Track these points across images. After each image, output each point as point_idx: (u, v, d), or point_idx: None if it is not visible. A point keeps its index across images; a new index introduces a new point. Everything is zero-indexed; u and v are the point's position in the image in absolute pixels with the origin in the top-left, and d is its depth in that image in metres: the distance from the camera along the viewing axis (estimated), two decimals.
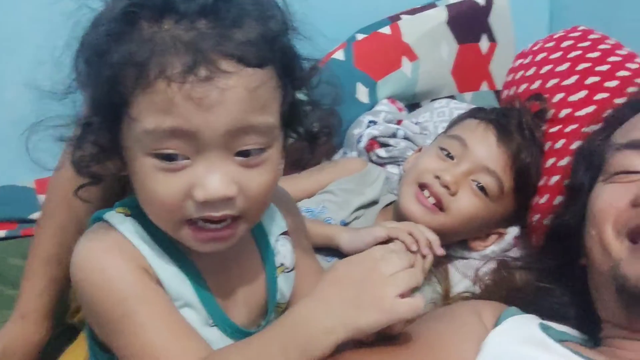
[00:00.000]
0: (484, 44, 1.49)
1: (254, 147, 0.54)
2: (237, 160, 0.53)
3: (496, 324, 0.69)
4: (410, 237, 0.93)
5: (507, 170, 0.99)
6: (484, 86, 1.52)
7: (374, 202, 1.12)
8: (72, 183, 0.67)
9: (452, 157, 1.00)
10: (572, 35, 1.13)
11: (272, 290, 0.66)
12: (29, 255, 0.85)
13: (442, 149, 1.02)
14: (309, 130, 0.62)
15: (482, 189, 0.98)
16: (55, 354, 0.87)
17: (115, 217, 0.59)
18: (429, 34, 1.40)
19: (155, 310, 0.55)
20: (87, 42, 0.54)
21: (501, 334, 0.66)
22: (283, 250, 0.68)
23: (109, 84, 0.52)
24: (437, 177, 0.98)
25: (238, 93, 0.51)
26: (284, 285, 0.68)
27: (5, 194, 1.17)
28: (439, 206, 0.98)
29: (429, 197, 0.98)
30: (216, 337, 0.61)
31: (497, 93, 1.51)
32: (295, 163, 0.69)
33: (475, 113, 1.07)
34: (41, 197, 1.09)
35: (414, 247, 0.91)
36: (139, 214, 0.59)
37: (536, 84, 1.08)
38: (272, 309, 0.67)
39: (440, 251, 0.94)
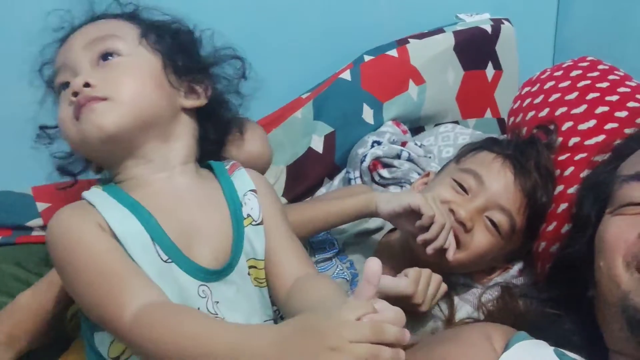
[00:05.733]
0: (489, 71, 1.50)
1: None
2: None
3: (506, 348, 0.68)
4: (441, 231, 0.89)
5: (521, 210, 0.96)
6: (488, 113, 1.53)
7: (378, 229, 1.10)
8: None
9: (465, 191, 0.97)
10: (581, 65, 1.13)
11: (238, 237, 0.75)
12: (46, 290, 0.84)
13: (455, 182, 0.98)
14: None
15: (494, 225, 0.96)
16: None
17: (89, 192, 0.72)
18: (435, 59, 1.41)
19: (104, 258, 0.64)
20: None
21: (512, 357, 0.65)
22: (250, 203, 0.77)
23: None
24: (452, 211, 0.95)
25: None
26: (255, 238, 0.75)
27: (1, 200, 1.14)
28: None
29: None
30: (176, 274, 0.69)
31: (501, 121, 1.52)
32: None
33: (491, 146, 1.03)
34: (40, 205, 1.07)
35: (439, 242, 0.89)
36: (110, 187, 0.73)
37: (544, 112, 1.08)
38: (237, 253, 0.74)
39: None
